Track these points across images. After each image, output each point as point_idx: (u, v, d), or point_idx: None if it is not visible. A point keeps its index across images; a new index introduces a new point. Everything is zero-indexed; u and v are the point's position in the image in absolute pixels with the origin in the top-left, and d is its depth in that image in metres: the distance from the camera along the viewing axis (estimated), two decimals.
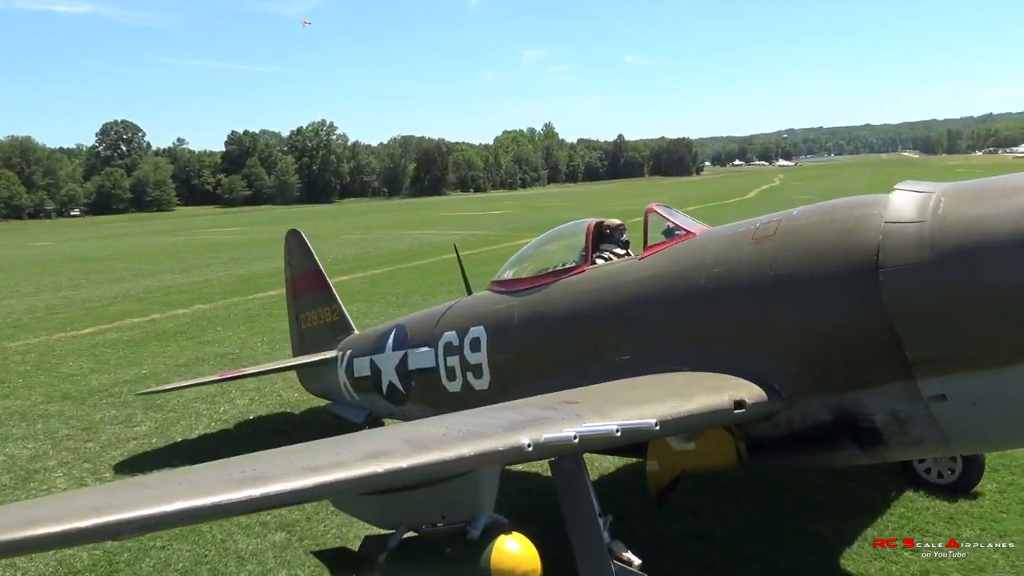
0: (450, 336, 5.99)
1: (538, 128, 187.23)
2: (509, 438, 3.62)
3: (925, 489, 5.85)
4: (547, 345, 5.37)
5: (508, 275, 6.18)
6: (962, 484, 5.85)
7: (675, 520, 5.82)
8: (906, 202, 4.32)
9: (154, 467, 8.24)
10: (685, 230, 5.31)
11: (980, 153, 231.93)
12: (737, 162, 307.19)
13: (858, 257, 4.24)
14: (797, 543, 5.31)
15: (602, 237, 5.97)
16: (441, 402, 5.94)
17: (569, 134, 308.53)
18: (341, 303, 9.23)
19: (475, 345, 5.73)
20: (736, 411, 4.20)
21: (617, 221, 6.18)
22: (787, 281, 4.43)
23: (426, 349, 6.18)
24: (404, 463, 3.36)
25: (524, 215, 52.63)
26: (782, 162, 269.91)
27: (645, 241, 5.40)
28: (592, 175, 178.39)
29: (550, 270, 5.81)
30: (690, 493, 5.92)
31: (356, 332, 8.74)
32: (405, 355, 6.46)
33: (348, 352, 7.83)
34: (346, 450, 3.50)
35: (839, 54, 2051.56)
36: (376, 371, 7.01)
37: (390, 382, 6.72)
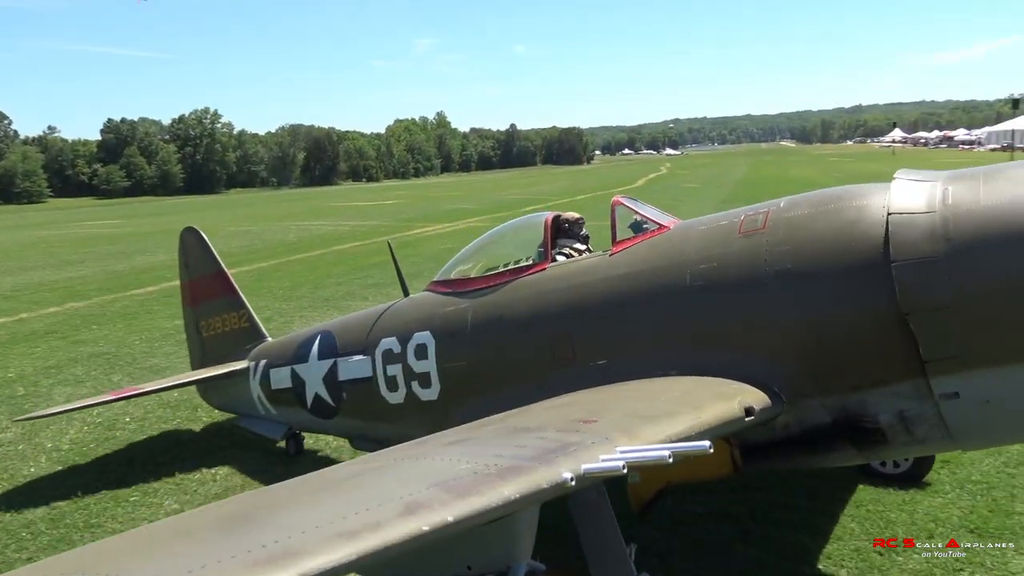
0: (389, 343, 5.53)
1: (431, 117, 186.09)
2: (550, 472, 3.09)
3: (882, 482, 5.89)
4: (508, 350, 4.93)
5: (453, 274, 5.73)
6: (913, 474, 5.83)
7: (674, 522, 5.65)
8: (910, 192, 4.10)
9: (23, 477, 7.84)
10: (657, 223, 4.99)
11: (851, 142, 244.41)
12: (626, 151, 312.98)
13: (865, 250, 4.02)
14: (795, 543, 5.15)
15: (559, 231, 5.57)
16: (378, 414, 5.62)
17: (462, 123, 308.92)
18: (251, 308, 8.46)
19: (421, 352, 5.26)
20: (747, 419, 3.88)
21: (576, 215, 5.80)
22: (786, 277, 4.17)
23: (360, 357, 5.68)
24: (449, 516, 2.79)
25: (417, 205, 52.25)
26: (669, 151, 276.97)
27: (614, 236, 5.02)
28: (485, 164, 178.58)
29: (505, 268, 5.33)
30: (681, 495, 5.71)
31: (270, 340, 8.05)
32: (335, 364, 5.95)
33: (262, 362, 7.23)
34: (375, 502, 2.88)
35: (722, 47, 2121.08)
36: (299, 382, 6.48)
37: (316, 394, 6.21)
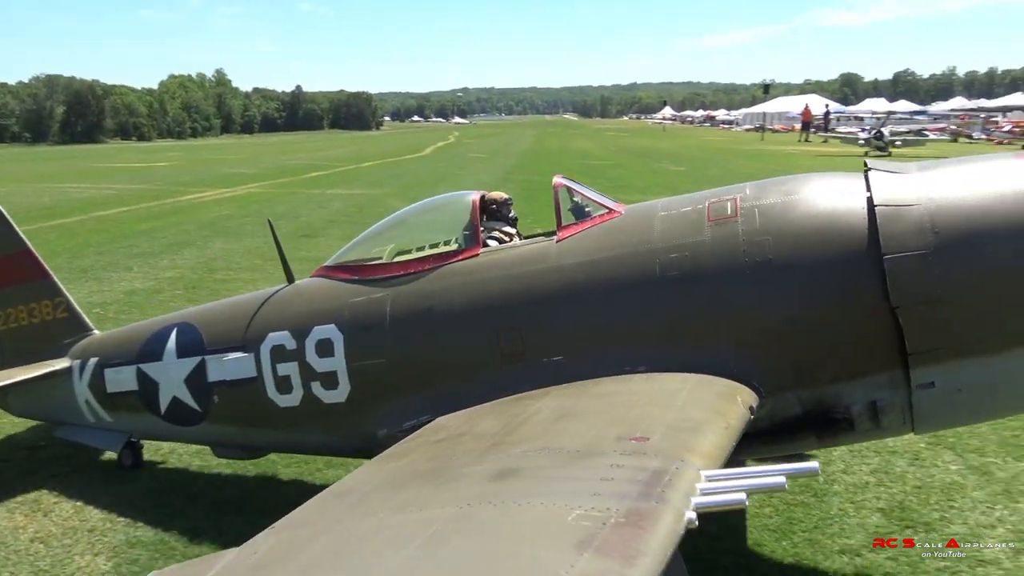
0: (279, 337, 4.81)
1: (209, 74, 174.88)
2: (672, 511, 2.63)
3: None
4: (442, 345, 4.48)
5: (352, 257, 5.12)
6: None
7: None
8: (892, 184, 4.12)
9: None
10: (606, 207, 4.72)
11: (627, 117, 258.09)
12: (416, 118, 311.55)
13: (853, 243, 4.02)
14: (793, 543, 5.04)
15: (486, 213, 5.15)
16: (261, 419, 4.95)
17: (244, 83, 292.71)
18: (70, 296, 7.00)
19: (324, 348, 4.60)
20: (751, 418, 3.72)
21: (503, 195, 5.42)
22: (767, 268, 4.08)
23: (239, 355, 4.94)
24: None
25: (193, 168, 48.95)
26: (458, 120, 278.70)
27: (559, 221, 4.70)
28: (269, 127, 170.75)
29: (427, 253, 4.83)
30: None
31: (97, 333, 6.78)
32: (202, 363, 5.13)
33: (92, 361, 6.12)
34: None
35: (511, 19, 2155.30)
36: (149, 385, 5.52)
37: (175, 398, 5.35)
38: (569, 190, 4.84)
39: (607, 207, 4.69)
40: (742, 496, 2.71)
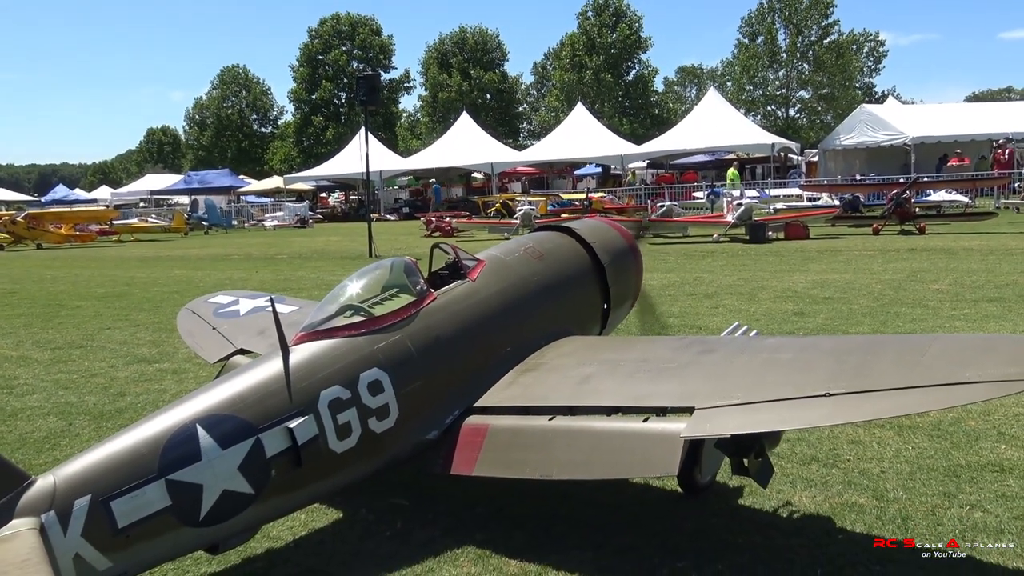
0: (333, 392, 5.26)
1: None
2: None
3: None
4: (453, 359, 5.81)
5: (340, 322, 5.70)
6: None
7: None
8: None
9: None
10: (476, 259, 6.60)
11: None
12: None
13: (587, 262, 6.94)
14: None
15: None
16: (314, 475, 5.15)
17: None
18: None
19: (375, 388, 5.38)
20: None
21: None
22: (571, 279, 6.82)
23: (302, 420, 5.11)
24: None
25: None
26: None
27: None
28: None
29: (405, 303, 5.81)
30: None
31: (40, 476, 4.92)
32: (257, 442, 5.09)
33: (81, 501, 4.87)
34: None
35: None
36: (188, 491, 4.99)
37: (224, 491, 5.04)
38: (444, 252, 6.71)
39: (477, 259, 6.60)
40: None
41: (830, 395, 4.23)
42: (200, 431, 5.09)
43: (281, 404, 5.21)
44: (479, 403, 5.49)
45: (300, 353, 5.51)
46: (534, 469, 4.77)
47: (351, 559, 5.09)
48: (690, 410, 4.52)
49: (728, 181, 42.74)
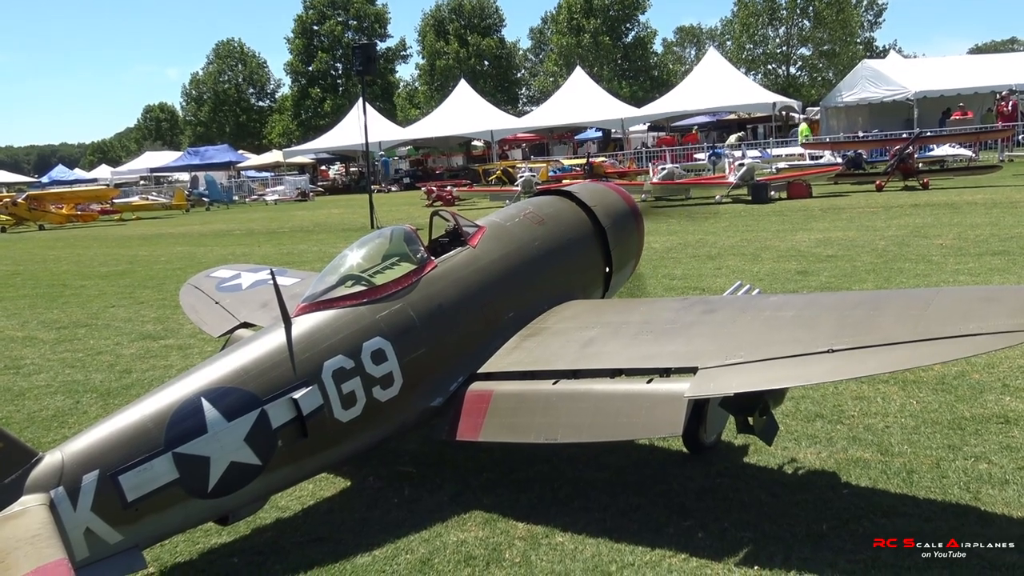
0: (337, 362, 5.28)
1: None
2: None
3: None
4: (455, 326, 5.75)
5: (341, 292, 5.68)
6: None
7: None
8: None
9: None
10: (476, 225, 6.46)
11: None
12: None
13: (589, 227, 6.88)
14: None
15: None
16: (322, 444, 5.16)
17: None
18: None
19: (378, 357, 5.39)
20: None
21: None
22: (573, 242, 6.77)
23: (307, 389, 5.17)
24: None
25: None
26: None
27: (464, 235, 6.41)
28: None
29: (406, 271, 5.74)
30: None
31: (48, 452, 5.01)
32: (262, 414, 5.13)
33: (90, 476, 4.97)
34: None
35: None
36: (196, 463, 5.09)
37: (232, 463, 5.14)
38: (444, 219, 6.63)
39: (477, 225, 6.49)
40: None
41: (833, 351, 4.24)
42: (205, 404, 5.12)
43: (285, 375, 5.21)
44: (483, 369, 5.43)
45: (302, 324, 5.51)
46: (539, 433, 4.77)
47: (360, 527, 5.12)
48: (694, 370, 4.52)
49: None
